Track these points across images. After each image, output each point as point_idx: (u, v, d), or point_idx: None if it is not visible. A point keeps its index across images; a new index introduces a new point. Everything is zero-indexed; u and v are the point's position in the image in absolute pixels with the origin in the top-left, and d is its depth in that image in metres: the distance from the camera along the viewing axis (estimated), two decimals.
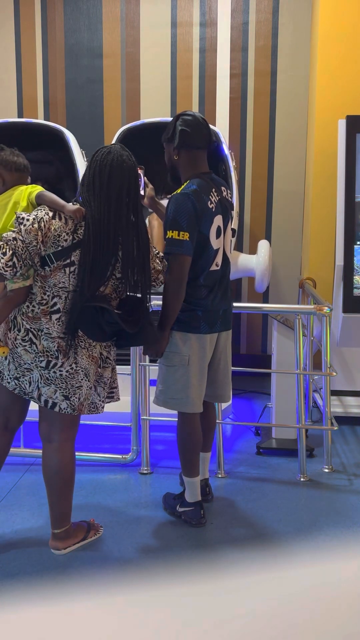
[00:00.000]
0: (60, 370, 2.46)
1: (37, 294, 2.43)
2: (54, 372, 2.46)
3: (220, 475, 3.41)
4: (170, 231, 2.66)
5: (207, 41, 5.00)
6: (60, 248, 2.37)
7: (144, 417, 3.49)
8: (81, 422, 3.69)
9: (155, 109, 5.07)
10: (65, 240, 2.37)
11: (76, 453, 3.55)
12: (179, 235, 2.64)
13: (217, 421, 3.30)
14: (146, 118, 5.03)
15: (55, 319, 2.43)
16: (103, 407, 2.64)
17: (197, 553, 2.71)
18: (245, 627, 0.44)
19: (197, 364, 2.81)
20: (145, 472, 3.46)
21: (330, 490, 3.31)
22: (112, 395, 2.68)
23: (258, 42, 4.96)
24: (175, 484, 3.26)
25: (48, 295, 2.42)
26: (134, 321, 2.52)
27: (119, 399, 2.71)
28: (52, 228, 2.35)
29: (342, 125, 4.03)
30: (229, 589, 0.48)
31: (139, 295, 2.55)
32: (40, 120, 4.81)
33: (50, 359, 2.45)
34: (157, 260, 2.63)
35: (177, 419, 2.95)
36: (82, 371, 2.49)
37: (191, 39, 5.01)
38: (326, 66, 4.47)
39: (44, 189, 2.50)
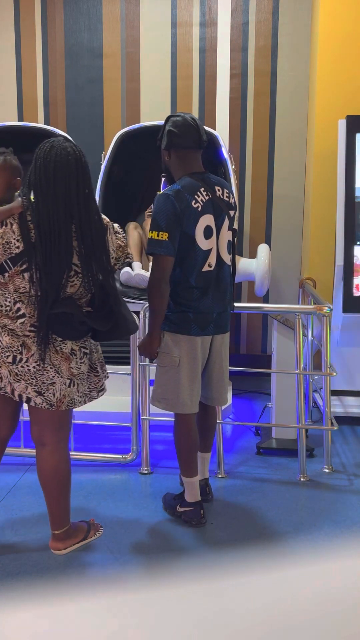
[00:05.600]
0: (27, 365, 2.41)
1: None
2: (22, 367, 2.41)
3: (220, 475, 3.41)
4: (151, 232, 2.68)
5: (207, 41, 5.00)
6: (13, 255, 2.32)
7: (144, 417, 3.49)
8: (81, 422, 3.72)
9: (155, 109, 5.07)
10: (17, 248, 2.32)
11: (76, 453, 3.58)
12: (158, 236, 2.65)
13: (217, 421, 3.30)
14: (146, 118, 5.04)
15: (20, 323, 2.40)
16: (84, 402, 2.59)
17: (197, 553, 2.71)
18: (245, 627, 0.44)
19: (188, 366, 2.80)
20: (145, 472, 3.46)
21: (330, 490, 3.31)
22: (99, 387, 2.65)
23: (258, 42, 4.96)
24: (175, 484, 3.26)
25: (10, 302, 2.38)
26: (105, 316, 2.49)
27: (102, 390, 2.67)
28: None
29: (342, 125, 4.03)
30: (229, 589, 0.48)
31: (105, 287, 2.48)
32: (39, 124, 4.80)
33: (15, 354, 2.40)
34: (118, 235, 2.57)
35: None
36: (51, 368, 2.43)
37: (191, 39, 5.01)
38: (326, 66, 4.47)
39: None
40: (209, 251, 2.76)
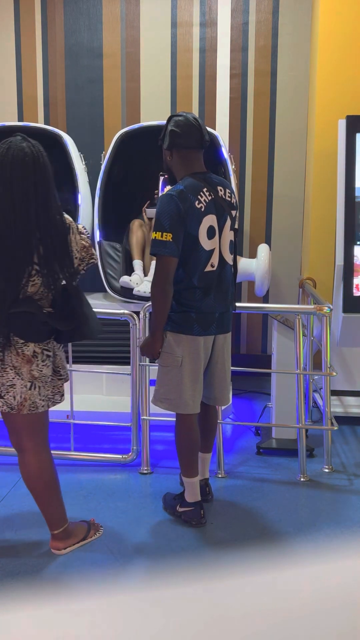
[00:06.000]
0: None
1: None
2: None
3: (220, 475, 3.41)
4: (154, 232, 2.67)
5: (207, 41, 5.00)
6: None
7: (144, 417, 3.49)
8: (81, 422, 3.72)
9: (155, 109, 5.07)
10: None
11: (76, 453, 3.58)
12: (162, 237, 2.64)
13: (217, 421, 3.30)
14: (146, 118, 5.04)
15: None
16: (47, 407, 2.52)
17: (197, 553, 2.71)
18: (245, 627, 0.44)
19: (191, 366, 2.80)
20: (145, 472, 3.46)
21: (330, 490, 3.31)
22: (62, 392, 2.58)
23: (258, 42, 4.96)
24: (175, 484, 3.26)
25: None
26: (67, 316, 2.45)
27: (63, 395, 2.60)
28: None
29: (342, 125, 4.03)
30: (229, 589, 0.48)
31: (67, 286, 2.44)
32: (39, 124, 4.81)
33: None
34: (82, 236, 2.52)
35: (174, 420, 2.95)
36: (11, 370, 2.40)
37: (191, 39, 5.01)
38: (326, 66, 4.47)
39: None
40: (212, 251, 2.76)
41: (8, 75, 5.16)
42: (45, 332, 2.44)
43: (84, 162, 4.57)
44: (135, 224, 4.34)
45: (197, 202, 2.69)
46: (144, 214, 4.48)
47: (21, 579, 2.49)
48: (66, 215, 2.47)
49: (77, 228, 2.51)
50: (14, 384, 2.41)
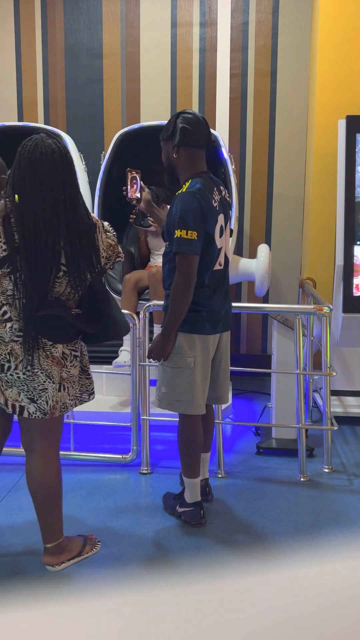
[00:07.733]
0: (17, 373, 2.33)
1: None
2: (11, 374, 2.34)
3: (220, 475, 3.41)
4: (179, 230, 2.61)
5: (207, 41, 5.00)
6: None
7: (144, 417, 3.49)
8: (81, 422, 3.72)
9: (155, 109, 5.07)
10: (4, 251, 2.25)
11: (76, 453, 3.58)
12: (187, 235, 2.59)
13: (217, 421, 3.30)
14: (146, 118, 5.04)
15: (9, 327, 2.32)
16: (74, 405, 2.51)
17: (197, 553, 2.71)
18: (244, 628, 0.44)
19: (202, 366, 2.78)
20: (145, 472, 3.46)
21: (330, 490, 3.31)
22: (90, 390, 2.58)
23: (258, 42, 4.96)
24: (175, 484, 3.26)
25: None
26: (94, 317, 2.42)
27: (93, 393, 2.60)
28: None
29: (342, 125, 4.03)
30: (228, 589, 0.48)
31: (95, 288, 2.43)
32: (39, 124, 4.81)
33: (2, 362, 2.33)
34: (109, 234, 2.47)
35: (178, 421, 2.94)
36: (42, 373, 2.35)
37: (191, 39, 5.01)
38: (326, 66, 4.47)
39: None
40: (220, 250, 2.77)
41: (8, 75, 5.16)
42: (73, 333, 2.41)
43: (84, 162, 4.57)
44: (131, 281, 4.04)
45: (213, 200, 2.70)
46: (138, 230, 4.39)
47: (21, 579, 2.49)
48: (92, 214, 2.43)
49: (104, 226, 2.47)
50: (46, 388, 2.36)
